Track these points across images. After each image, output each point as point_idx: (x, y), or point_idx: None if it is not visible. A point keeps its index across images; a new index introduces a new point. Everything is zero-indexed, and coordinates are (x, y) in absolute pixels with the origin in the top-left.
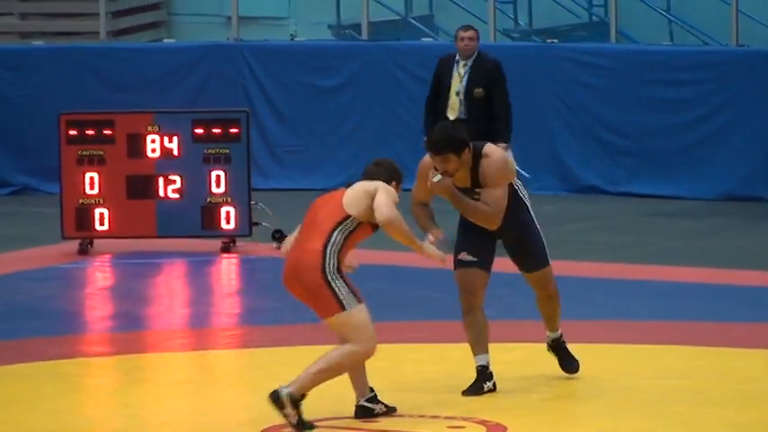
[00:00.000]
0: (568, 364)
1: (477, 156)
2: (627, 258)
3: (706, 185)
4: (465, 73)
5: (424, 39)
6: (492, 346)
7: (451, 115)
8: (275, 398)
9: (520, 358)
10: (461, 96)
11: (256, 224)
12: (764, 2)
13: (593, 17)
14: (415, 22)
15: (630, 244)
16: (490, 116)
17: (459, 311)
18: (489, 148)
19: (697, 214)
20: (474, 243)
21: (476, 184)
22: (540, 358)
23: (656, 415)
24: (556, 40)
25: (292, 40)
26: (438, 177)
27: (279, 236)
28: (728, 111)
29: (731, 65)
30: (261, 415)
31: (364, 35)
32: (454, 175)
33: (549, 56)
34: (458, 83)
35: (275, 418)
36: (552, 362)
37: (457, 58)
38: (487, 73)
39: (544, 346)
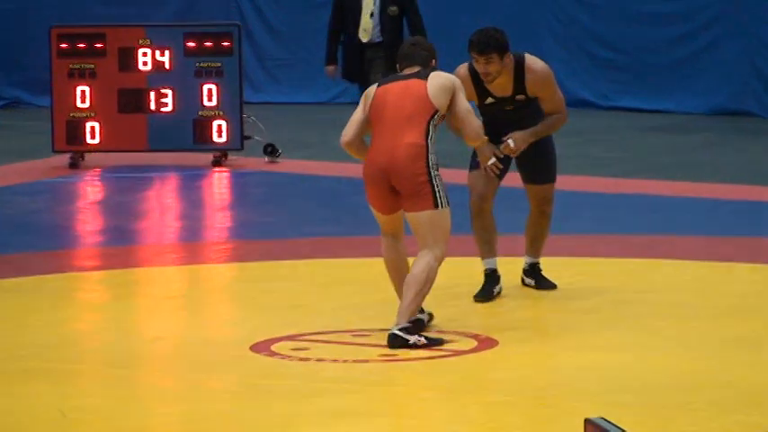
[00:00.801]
0: (546, 287)
1: (520, 65)
2: (616, 173)
3: (697, 100)
4: None
5: None
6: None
7: (364, 38)
8: (396, 340)
9: (508, 272)
10: (375, 17)
11: (248, 138)
12: None
13: None
14: None
15: (620, 158)
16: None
17: (465, 225)
18: (530, 58)
19: (687, 129)
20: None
21: (517, 91)
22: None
23: (642, 329)
24: None
25: None
26: (511, 142)
27: (270, 149)
28: (719, 25)
29: None
30: (252, 328)
31: None
32: (496, 78)
33: None
34: (371, 2)
35: (266, 331)
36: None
37: None
38: None
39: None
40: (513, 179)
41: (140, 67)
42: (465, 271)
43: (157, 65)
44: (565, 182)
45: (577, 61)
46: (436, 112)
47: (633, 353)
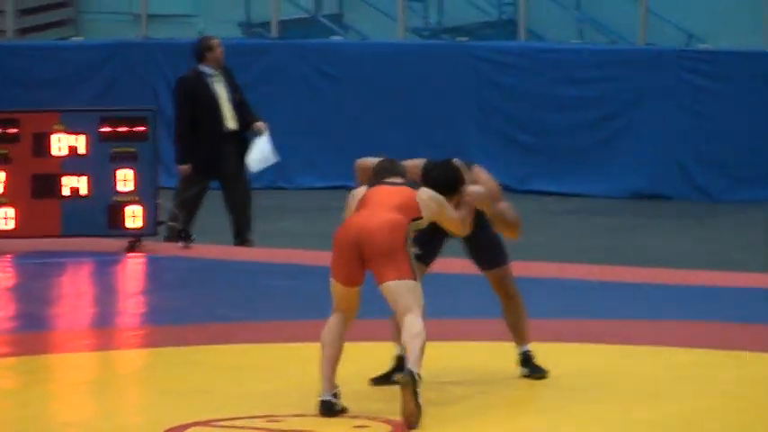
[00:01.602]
0: (538, 375)
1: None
2: (532, 256)
3: (613, 183)
4: (222, 82)
5: (333, 37)
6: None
7: (232, 125)
8: (410, 383)
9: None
10: (231, 105)
11: (162, 223)
12: (672, 1)
13: (503, 15)
14: (324, 20)
15: (537, 242)
16: (246, 118)
17: (369, 309)
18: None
19: (604, 212)
20: (422, 236)
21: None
22: (439, 354)
23: (558, 413)
24: (466, 39)
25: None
26: (478, 188)
27: (184, 235)
28: (636, 109)
29: (639, 63)
30: (164, 414)
31: (274, 33)
32: None
33: (458, 54)
34: (224, 91)
35: (178, 417)
36: (453, 358)
37: (208, 70)
38: (230, 76)
39: (446, 343)
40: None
41: (54, 152)
42: (371, 356)
43: (72, 149)
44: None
45: (494, 145)
46: (419, 218)
47: None
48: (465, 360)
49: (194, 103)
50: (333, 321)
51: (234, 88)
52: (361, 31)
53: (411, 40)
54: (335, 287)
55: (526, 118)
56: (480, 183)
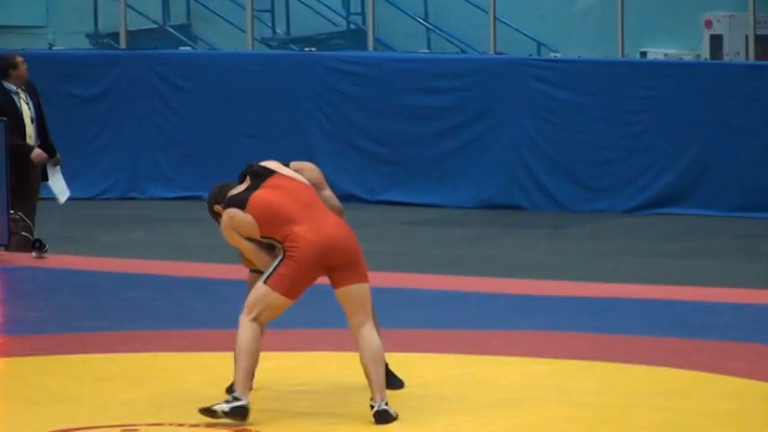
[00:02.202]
0: (394, 386)
1: None
2: (382, 267)
3: (464, 193)
4: (26, 99)
5: (182, 47)
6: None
7: (31, 141)
8: (386, 416)
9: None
10: (34, 124)
11: (15, 233)
12: (521, 10)
13: (351, 25)
14: (173, 30)
15: (388, 252)
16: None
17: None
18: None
19: (455, 222)
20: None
21: None
22: (292, 365)
23: (415, 423)
24: (314, 49)
25: (50, 48)
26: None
27: (38, 245)
28: (487, 119)
29: (489, 72)
30: (19, 424)
31: (122, 44)
32: None
33: (307, 64)
34: (27, 109)
35: (34, 427)
36: (303, 369)
37: (12, 87)
38: (35, 94)
39: (297, 353)
40: None
41: None
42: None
43: None
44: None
45: (344, 155)
46: None
47: None
48: (317, 371)
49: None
50: (255, 333)
51: (38, 106)
52: (210, 42)
53: (259, 50)
54: (279, 301)
55: (376, 128)
56: (303, 169)
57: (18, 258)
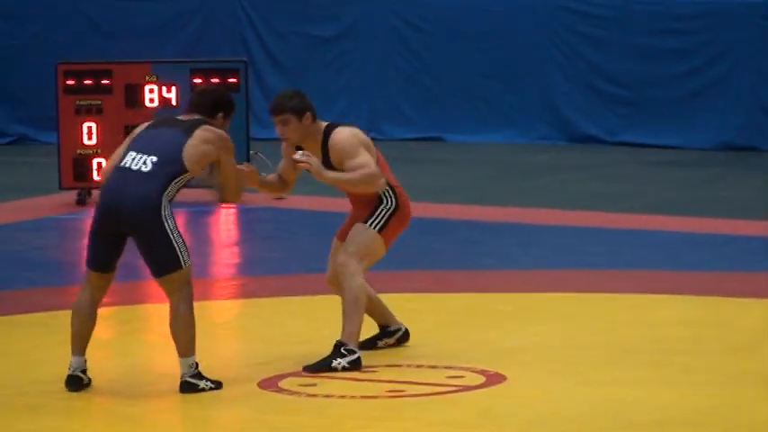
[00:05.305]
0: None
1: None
2: (622, 208)
3: (703, 135)
4: None
5: None
6: (491, 296)
7: None
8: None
9: (520, 308)
10: None
11: None
12: None
13: None
14: None
15: (627, 193)
16: None
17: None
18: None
19: (694, 164)
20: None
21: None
22: (533, 306)
23: (652, 365)
24: None
25: None
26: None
27: None
28: (725, 61)
29: (729, 14)
30: (260, 364)
31: None
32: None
33: (546, 5)
34: None
35: (274, 368)
36: (547, 312)
37: None
38: None
39: (537, 295)
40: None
41: (147, 103)
42: (466, 307)
43: (164, 101)
44: (569, 217)
45: (583, 97)
46: None
47: (643, 389)
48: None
49: None
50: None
51: None
52: None
53: None
54: (381, 254)
55: (615, 69)
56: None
57: (256, 198)
